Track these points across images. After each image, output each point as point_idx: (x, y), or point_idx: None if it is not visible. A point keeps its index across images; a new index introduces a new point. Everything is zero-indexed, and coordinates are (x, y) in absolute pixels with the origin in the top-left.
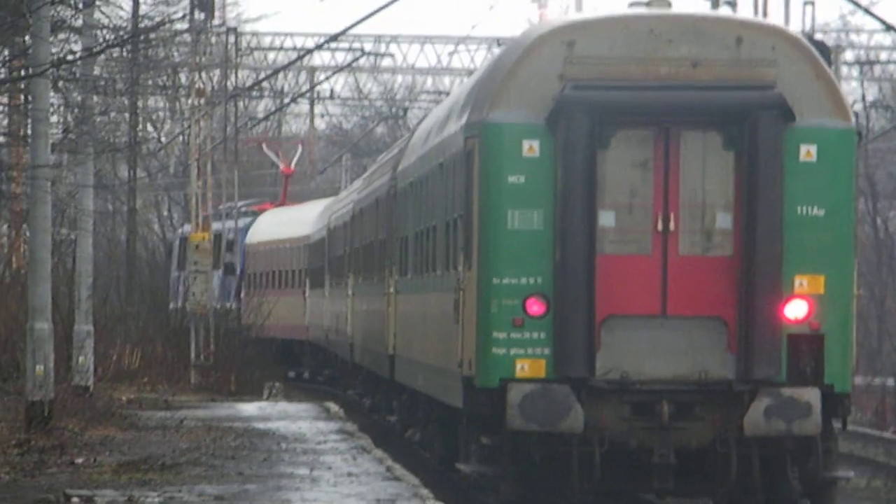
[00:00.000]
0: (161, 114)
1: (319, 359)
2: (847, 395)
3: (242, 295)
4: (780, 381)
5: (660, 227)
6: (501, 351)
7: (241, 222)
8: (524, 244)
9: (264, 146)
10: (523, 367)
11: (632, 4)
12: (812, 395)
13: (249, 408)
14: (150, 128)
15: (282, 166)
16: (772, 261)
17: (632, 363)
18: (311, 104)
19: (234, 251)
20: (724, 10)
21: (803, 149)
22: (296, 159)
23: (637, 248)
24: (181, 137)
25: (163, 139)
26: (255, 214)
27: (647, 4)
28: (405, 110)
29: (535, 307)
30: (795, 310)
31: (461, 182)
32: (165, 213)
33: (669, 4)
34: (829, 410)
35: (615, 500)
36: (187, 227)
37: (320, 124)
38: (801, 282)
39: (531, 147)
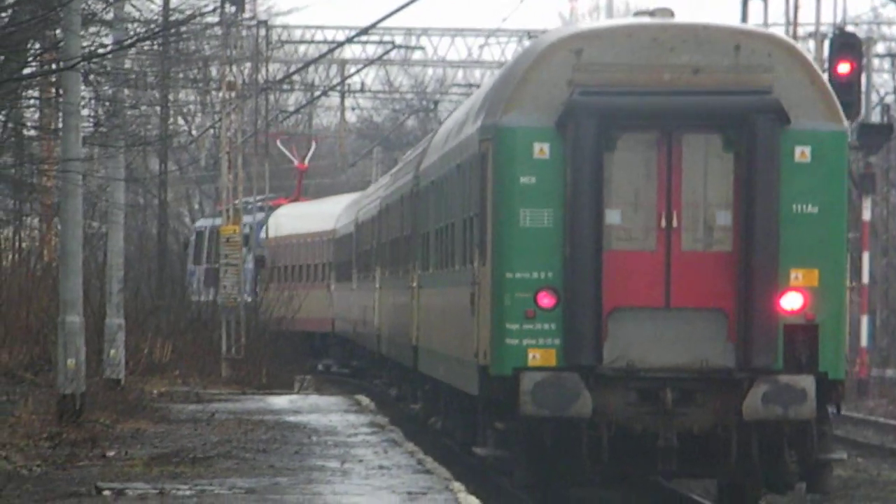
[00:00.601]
0: (192, 107)
1: (346, 350)
2: (840, 382)
3: (258, 289)
4: (776, 369)
5: (663, 224)
6: (514, 341)
7: (257, 217)
8: (535, 241)
9: (279, 142)
10: (535, 357)
11: (636, 14)
12: (807, 382)
13: (280, 401)
14: (181, 121)
15: (296, 162)
16: (769, 256)
17: (637, 352)
18: (342, 97)
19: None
20: (754, 6)
21: (798, 150)
22: (309, 155)
23: (642, 244)
24: (212, 131)
25: (194, 132)
26: (270, 209)
27: (651, 14)
28: (436, 103)
29: (546, 300)
30: (791, 301)
31: (476, 182)
32: (196, 206)
33: (672, 14)
34: (823, 396)
35: (623, 482)
36: (202, 222)
37: (351, 117)
38: (797, 275)
39: (542, 149)
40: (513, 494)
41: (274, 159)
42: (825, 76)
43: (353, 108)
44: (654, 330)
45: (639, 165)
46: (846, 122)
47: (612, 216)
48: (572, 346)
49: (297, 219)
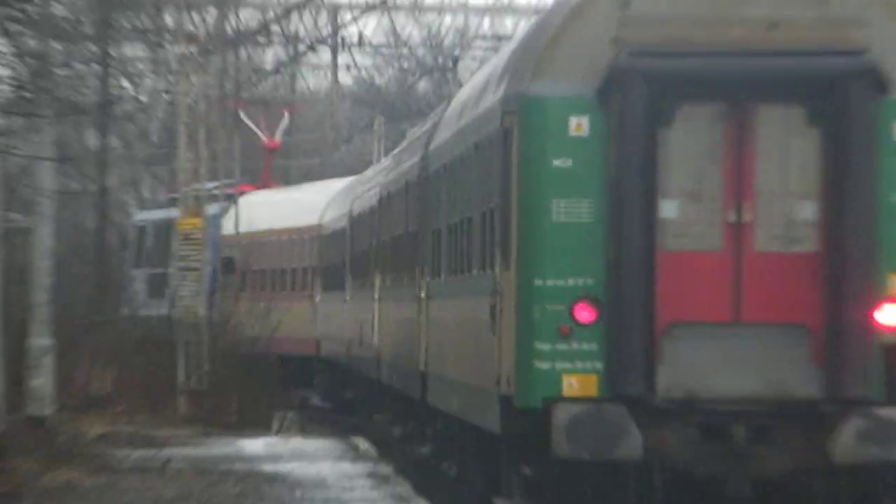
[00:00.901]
0: (140, 65)
1: (335, 379)
2: None
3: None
4: (874, 400)
5: (732, 218)
6: (545, 365)
7: (213, 209)
8: (571, 239)
9: (242, 112)
10: (571, 384)
11: None
12: None
13: (254, 445)
14: (125, 83)
15: (264, 138)
16: (863, 257)
17: (699, 379)
18: (334, 53)
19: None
20: None
21: None
22: (281, 130)
23: (705, 242)
24: (166, 96)
25: (142, 98)
26: (231, 198)
27: None
28: (455, 60)
29: (585, 313)
30: (891, 315)
31: (498, 166)
32: (146, 194)
33: None
34: None
35: None
36: (144, 215)
37: (346, 79)
38: None
39: (579, 124)
40: None
41: (246, 133)
42: None
43: (348, 68)
44: (720, 351)
45: (701, 144)
46: None
47: (668, 208)
48: (618, 371)
49: (268, 210)
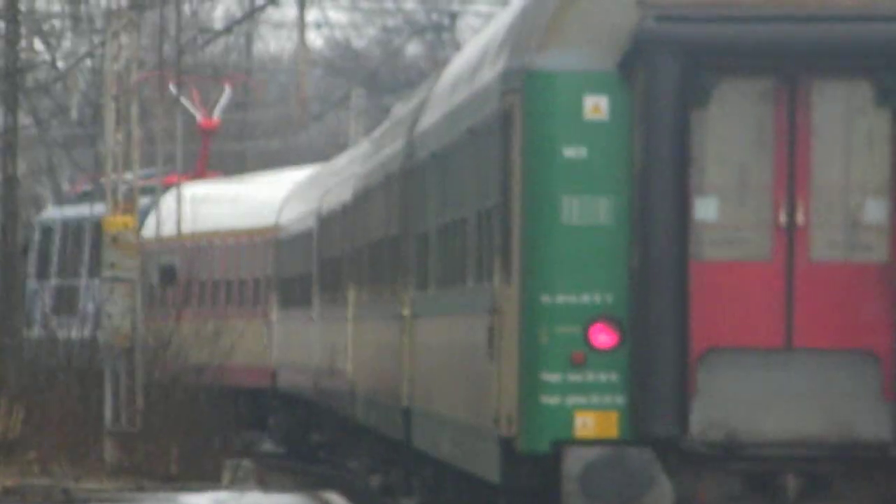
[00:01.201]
0: (57, 23)
1: (298, 418)
2: None
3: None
4: None
5: (783, 220)
6: (555, 400)
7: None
8: (587, 246)
9: (171, 86)
10: (586, 423)
11: None
12: None
13: (200, 501)
14: (39, 46)
15: (199, 117)
16: None
17: (742, 417)
18: (301, 8)
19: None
20: None
21: None
22: (220, 107)
23: (750, 250)
24: (89, 61)
25: (60, 65)
26: (155, 192)
27: None
28: (453, 17)
29: (603, 337)
30: None
31: (497, 156)
32: (65, 185)
33: None
34: None
35: None
36: (51, 213)
37: (316, 41)
38: None
39: (597, 106)
40: None
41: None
42: None
43: (318, 27)
44: (768, 383)
45: (745, 129)
46: None
47: (705, 208)
48: (644, 408)
49: (209, 207)
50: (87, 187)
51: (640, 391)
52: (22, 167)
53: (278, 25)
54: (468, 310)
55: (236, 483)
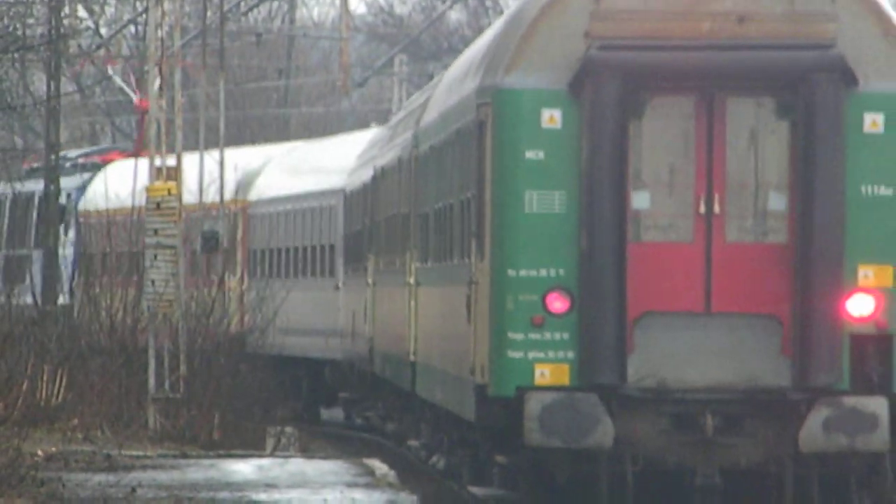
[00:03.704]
0: None
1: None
2: None
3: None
4: (841, 389)
5: (703, 209)
6: (518, 354)
7: (75, 180)
8: (544, 230)
9: (111, 69)
10: (543, 374)
11: None
12: (878, 405)
13: (244, 468)
14: (81, 13)
15: (135, 98)
16: (832, 248)
17: (670, 368)
18: None
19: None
20: None
21: (868, 118)
22: (156, 87)
23: (676, 234)
24: (133, 28)
25: (103, 32)
26: (97, 168)
27: None
28: None
29: (558, 303)
30: (859, 305)
31: (474, 155)
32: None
33: None
34: None
35: None
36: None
37: (358, 7)
38: (866, 273)
39: (552, 117)
40: None
41: (234, 74)
42: None
43: None
44: (691, 341)
45: (673, 136)
46: None
47: (640, 199)
48: (590, 361)
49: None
50: (36, 164)
51: (587, 348)
52: (64, 134)
53: None
54: (454, 281)
55: (279, 450)
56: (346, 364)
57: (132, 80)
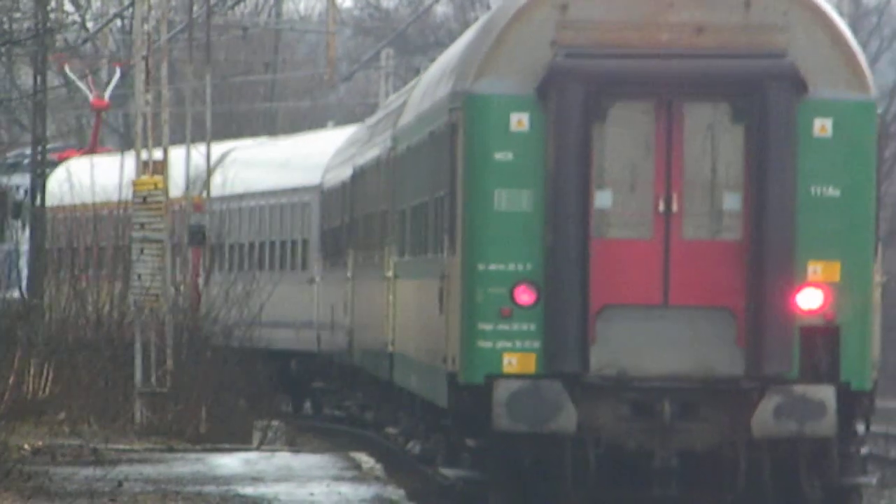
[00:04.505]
0: None
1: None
2: (867, 393)
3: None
4: (791, 378)
5: (661, 208)
6: (487, 344)
7: (20, 178)
8: (512, 227)
9: (67, 68)
10: (511, 362)
11: None
12: (826, 393)
13: (231, 462)
14: (68, 6)
15: (91, 97)
16: (783, 246)
17: (630, 358)
18: None
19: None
20: None
21: (817, 123)
22: (111, 87)
23: (636, 231)
24: (119, 22)
25: (89, 25)
26: (53, 165)
27: None
28: None
29: (525, 296)
30: (808, 299)
31: (446, 157)
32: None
33: None
34: (846, 410)
35: None
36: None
37: (345, 1)
38: (815, 269)
39: (520, 121)
40: None
41: (222, 68)
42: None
43: None
44: (649, 332)
45: (633, 139)
46: (875, 91)
47: (602, 198)
48: (555, 350)
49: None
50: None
51: (552, 338)
52: (51, 128)
53: None
54: (428, 275)
55: (266, 444)
56: (323, 356)
57: (89, 79)
